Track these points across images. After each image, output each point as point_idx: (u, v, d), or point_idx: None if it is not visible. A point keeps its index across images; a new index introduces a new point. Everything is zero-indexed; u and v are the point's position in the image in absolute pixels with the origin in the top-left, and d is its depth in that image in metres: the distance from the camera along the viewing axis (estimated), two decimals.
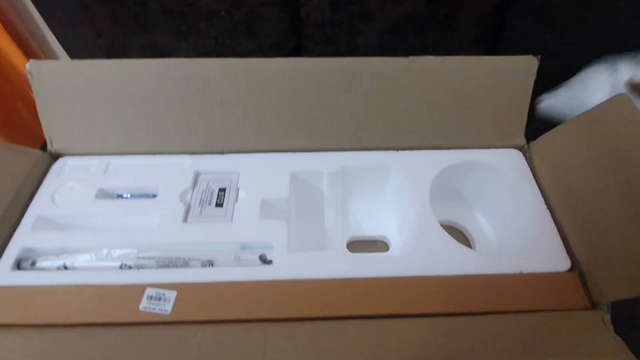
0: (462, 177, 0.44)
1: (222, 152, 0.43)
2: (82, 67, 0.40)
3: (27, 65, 0.39)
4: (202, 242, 0.36)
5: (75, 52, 0.67)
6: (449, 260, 0.34)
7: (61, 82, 0.40)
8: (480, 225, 0.46)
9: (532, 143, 0.42)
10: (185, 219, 0.38)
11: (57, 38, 0.65)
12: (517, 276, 0.33)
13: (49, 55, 0.69)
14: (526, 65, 0.41)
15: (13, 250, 0.35)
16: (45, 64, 0.39)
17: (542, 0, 0.53)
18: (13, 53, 0.64)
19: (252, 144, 0.43)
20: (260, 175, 0.41)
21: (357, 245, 0.46)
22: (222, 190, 0.40)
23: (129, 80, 0.40)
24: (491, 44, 0.56)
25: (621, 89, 0.46)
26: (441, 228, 0.37)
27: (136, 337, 0.30)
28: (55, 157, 0.42)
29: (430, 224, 0.37)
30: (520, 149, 0.43)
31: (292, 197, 0.40)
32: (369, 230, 0.47)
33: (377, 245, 0.47)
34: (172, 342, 0.29)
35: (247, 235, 0.36)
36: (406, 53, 0.55)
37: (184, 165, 0.42)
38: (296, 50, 0.57)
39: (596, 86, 0.47)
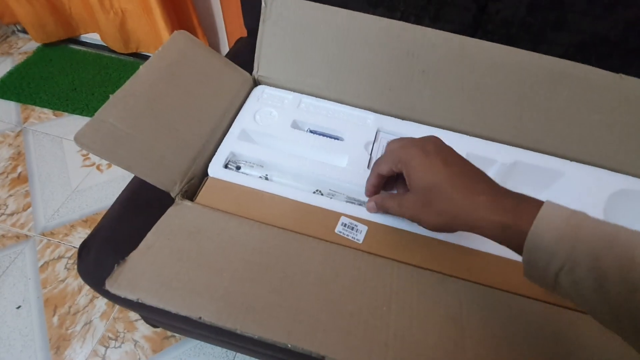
0: (629, 206, 0.43)
1: (403, 118, 0.45)
2: (310, 7, 0.43)
3: None
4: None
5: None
6: None
7: (287, 17, 0.44)
8: None
9: None
10: (368, 167, 0.41)
11: None
12: None
13: None
14: None
15: (224, 151, 0.40)
16: None
17: None
18: None
19: (430, 117, 0.45)
20: None
21: None
22: None
23: (348, 29, 0.43)
24: None
25: None
26: None
27: (336, 252, 0.33)
28: (256, 82, 0.47)
29: None
30: None
31: None
32: None
33: None
34: (369, 266, 0.32)
35: None
36: None
37: (367, 120, 0.45)
38: None
39: None
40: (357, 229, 0.35)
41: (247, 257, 0.31)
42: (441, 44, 0.42)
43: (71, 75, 1.13)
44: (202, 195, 0.37)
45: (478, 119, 0.44)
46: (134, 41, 1.10)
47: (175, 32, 0.41)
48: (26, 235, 0.86)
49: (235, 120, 0.43)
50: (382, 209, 0.34)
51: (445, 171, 0.27)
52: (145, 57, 1.16)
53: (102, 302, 0.77)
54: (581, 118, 0.42)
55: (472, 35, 0.58)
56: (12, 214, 0.89)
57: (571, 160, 0.44)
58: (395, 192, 0.36)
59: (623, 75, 0.41)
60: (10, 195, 0.92)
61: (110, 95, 0.35)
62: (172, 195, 0.35)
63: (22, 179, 0.94)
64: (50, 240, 0.86)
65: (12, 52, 1.20)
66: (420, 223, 0.29)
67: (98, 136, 0.33)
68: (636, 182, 0.42)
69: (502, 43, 0.56)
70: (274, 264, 0.31)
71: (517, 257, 0.34)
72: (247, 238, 0.32)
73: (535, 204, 0.23)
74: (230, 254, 0.31)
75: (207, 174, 0.39)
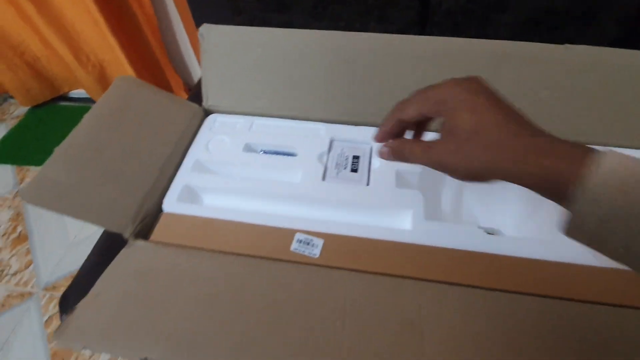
0: None
1: (355, 124, 0.45)
2: (244, 32, 0.44)
3: (201, 28, 0.45)
4: (342, 200, 0.38)
5: None
6: None
7: (226, 45, 0.45)
8: None
9: None
10: (323, 178, 0.40)
11: (192, 12, 0.73)
12: None
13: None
14: None
15: (178, 185, 0.40)
16: (215, 28, 0.45)
17: None
18: None
19: (381, 118, 0.44)
20: None
21: None
22: (356, 157, 0.42)
23: (285, 47, 0.44)
24: (634, 45, 0.53)
25: None
26: None
27: (290, 271, 0.32)
28: (207, 112, 0.48)
29: None
30: None
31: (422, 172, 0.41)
32: (483, 220, 0.46)
33: None
34: (323, 281, 0.31)
35: (385, 199, 0.38)
36: None
37: (320, 132, 0.45)
38: None
39: None
40: (313, 244, 0.35)
41: (197, 290, 0.31)
42: (379, 46, 0.42)
43: (61, 132, 1.16)
44: (156, 232, 0.37)
45: None
46: None
47: (117, 77, 0.43)
48: (30, 293, 0.88)
49: (188, 152, 0.43)
50: (399, 155, 0.29)
51: (494, 112, 0.23)
52: None
53: None
54: (528, 95, 0.41)
55: (422, 30, 0.58)
56: (15, 274, 0.91)
57: None
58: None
59: (568, 46, 0.40)
60: (13, 255, 0.94)
61: (55, 149, 0.36)
62: (125, 236, 0.35)
63: (22, 237, 0.97)
64: (52, 294, 0.87)
65: (5, 118, 1.26)
66: (449, 171, 0.25)
67: (42, 192, 0.34)
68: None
69: (449, 32, 0.56)
70: (224, 293, 0.30)
71: (474, 248, 0.33)
72: (198, 270, 0.32)
73: (594, 152, 0.20)
74: (179, 290, 0.30)
75: (162, 210, 0.39)
